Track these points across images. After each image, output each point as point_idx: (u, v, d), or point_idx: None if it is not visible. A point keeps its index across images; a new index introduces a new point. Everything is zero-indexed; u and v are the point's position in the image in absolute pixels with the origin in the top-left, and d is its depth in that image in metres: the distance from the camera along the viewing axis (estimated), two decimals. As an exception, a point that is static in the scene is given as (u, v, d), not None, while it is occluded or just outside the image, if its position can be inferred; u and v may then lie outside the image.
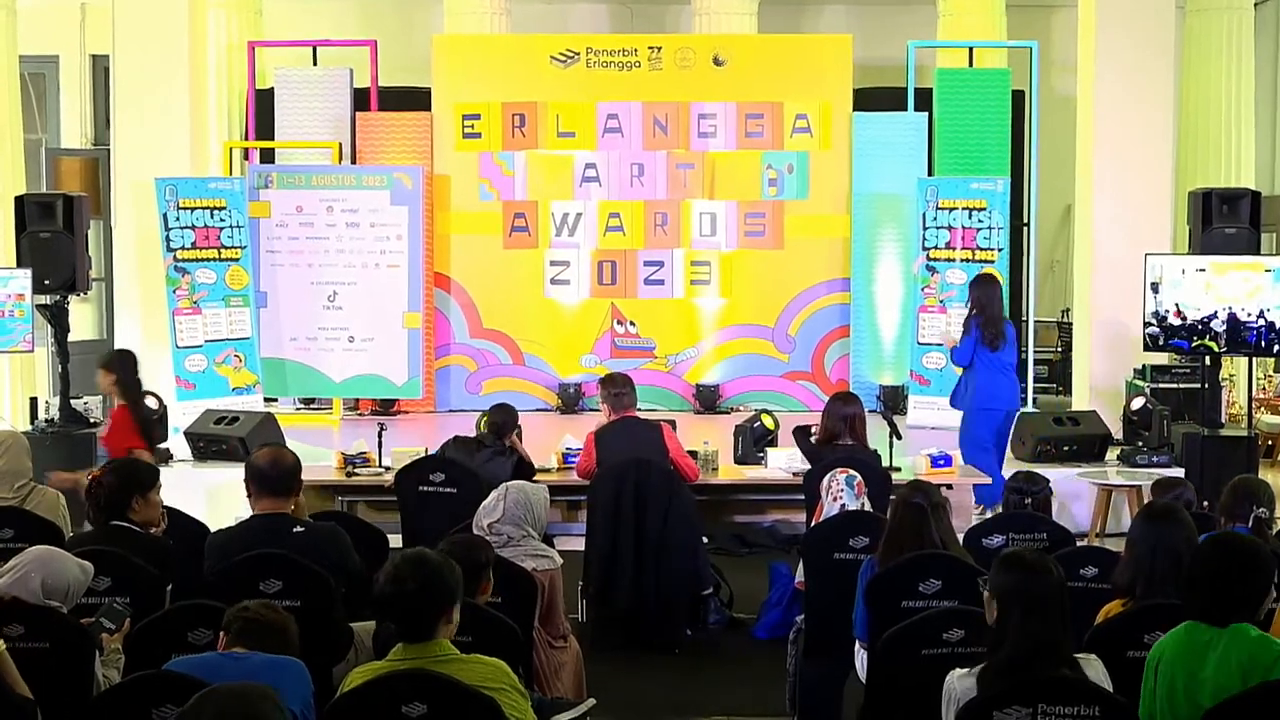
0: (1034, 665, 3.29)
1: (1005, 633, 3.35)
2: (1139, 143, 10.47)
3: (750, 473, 8.02)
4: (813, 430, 6.90)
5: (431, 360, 11.59)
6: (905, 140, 11.55)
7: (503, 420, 7.13)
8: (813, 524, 5.77)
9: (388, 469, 7.67)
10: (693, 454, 7.11)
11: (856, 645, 4.64)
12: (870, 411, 10.84)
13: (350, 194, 11.02)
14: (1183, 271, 8.69)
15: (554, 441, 8.35)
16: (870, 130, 11.61)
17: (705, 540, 6.86)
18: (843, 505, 5.54)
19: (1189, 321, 8.62)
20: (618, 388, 6.81)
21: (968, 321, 8.23)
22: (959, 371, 8.36)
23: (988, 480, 7.83)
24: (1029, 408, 10.81)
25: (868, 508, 5.57)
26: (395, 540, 5.88)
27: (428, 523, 6.35)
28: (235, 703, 2.80)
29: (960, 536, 5.04)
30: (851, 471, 5.67)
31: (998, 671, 3.33)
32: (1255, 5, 13.03)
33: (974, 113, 11.59)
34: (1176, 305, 8.63)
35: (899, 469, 7.63)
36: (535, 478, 6.86)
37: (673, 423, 7.11)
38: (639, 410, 6.93)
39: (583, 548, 6.52)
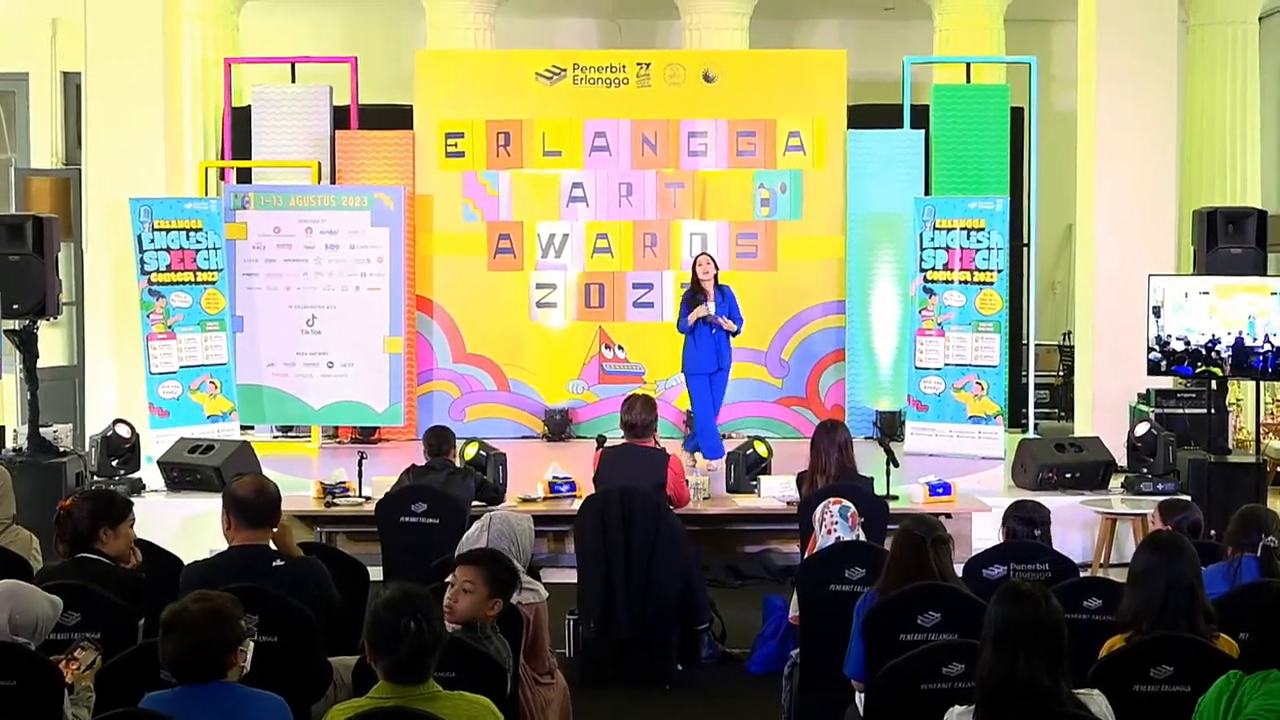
0: (1027, 700, 3.30)
1: (998, 667, 3.35)
2: (1141, 160, 10.51)
3: (743, 502, 8.03)
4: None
5: (413, 386, 11.58)
6: (901, 158, 11.59)
7: (437, 440, 7.21)
8: (806, 556, 5.77)
9: (368, 499, 7.68)
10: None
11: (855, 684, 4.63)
12: (867, 438, 10.97)
13: (329, 215, 11.02)
14: (1185, 295, 8.71)
15: (540, 469, 8.36)
16: (865, 148, 11.65)
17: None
18: (837, 538, 5.53)
19: (1192, 347, 8.65)
20: (631, 416, 6.94)
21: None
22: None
23: (988, 508, 7.86)
24: (1030, 434, 10.83)
25: (862, 538, 5.56)
26: (376, 573, 5.88)
27: (409, 555, 6.35)
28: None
29: (960, 568, 5.05)
30: (845, 502, 5.67)
31: (989, 706, 3.34)
32: (1260, 19, 13.12)
33: (972, 130, 11.64)
34: (1181, 332, 8.65)
35: (896, 497, 7.66)
36: (519, 507, 6.87)
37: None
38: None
39: (569, 579, 6.51)
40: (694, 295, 9.65)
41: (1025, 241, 12.01)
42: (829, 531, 5.55)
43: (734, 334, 9.66)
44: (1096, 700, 3.44)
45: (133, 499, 5.36)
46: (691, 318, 9.54)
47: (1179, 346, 8.68)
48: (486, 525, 4.98)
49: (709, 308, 9.52)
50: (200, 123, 12.50)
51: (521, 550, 5.00)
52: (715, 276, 9.68)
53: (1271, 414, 11.46)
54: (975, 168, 11.59)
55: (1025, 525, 5.58)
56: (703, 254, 10.05)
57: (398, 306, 11.05)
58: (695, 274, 9.73)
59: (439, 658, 3.48)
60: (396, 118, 12.04)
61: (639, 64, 11.88)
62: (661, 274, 11.74)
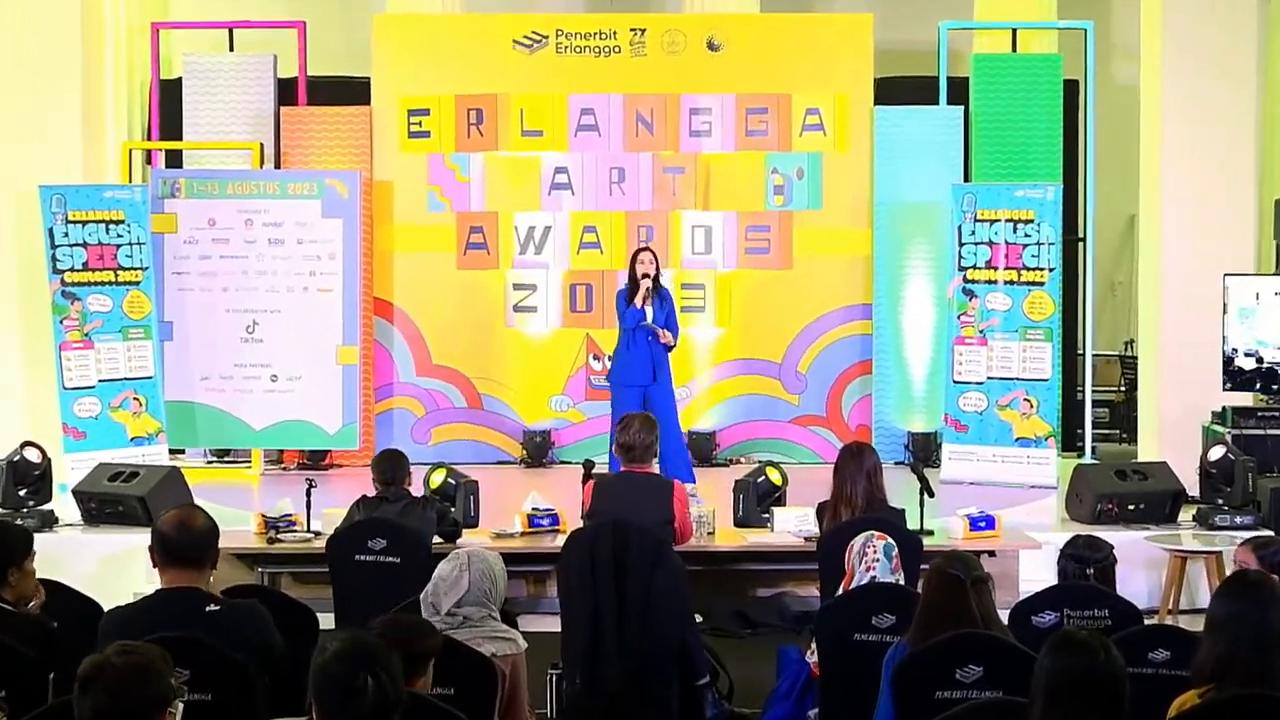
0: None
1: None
2: (1215, 142, 10.52)
3: (753, 537, 8.01)
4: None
5: (371, 404, 11.60)
6: (937, 139, 11.63)
7: (389, 466, 7.21)
8: (837, 595, 5.76)
9: (317, 534, 7.68)
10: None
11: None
12: (897, 463, 10.97)
13: (273, 204, 11.02)
14: (1256, 296, 8.69)
15: (517, 500, 8.35)
16: (895, 127, 11.68)
17: (698, 619, 6.87)
18: (872, 578, 5.52)
19: (1265, 365, 8.62)
20: (628, 436, 6.95)
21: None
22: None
23: (1038, 545, 7.87)
24: (1086, 459, 10.82)
25: (903, 582, 5.57)
26: (327, 620, 5.87)
27: (366, 599, 6.32)
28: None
29: (1005, 614, 5.05)
30: (892, 540, 5.67)
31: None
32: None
33: (1019, 106, 11.69)
34: (1250, 345, 8.63)
35: (931, 532, 7.65)
36: (494, 544, 6.87)
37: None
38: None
39: (552, 627, 6.49)
40: (630, 294, 9.67)
41: (1081, 236, 12.03)
42: (869, 569, 5.54)
43: (670, 348, 9.69)
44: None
45: (40, 533, 5.34)
46: (639, 299, 9.56)
47: (1249, 365, 8.63)
48: (465, 565, 4.95)
49: (646, 308, 9.56)
50: (123, 98, 12.46)
51: (499, 595, 5.00)
52: (656, 276, 9.70)
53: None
54: (1022, 150, 11.64)
55: (1081, 565, 5.56)
56: (645, 248, 10.05)
57: (352, 311, 11.05)
58: (633, 270, 9.72)
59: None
60: (351, 92, 12.06)
61: (633, 30, 11.92)
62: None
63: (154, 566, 4.72)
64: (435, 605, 4.92)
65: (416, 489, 7.58)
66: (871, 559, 5.54)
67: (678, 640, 6.32)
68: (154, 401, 10.65)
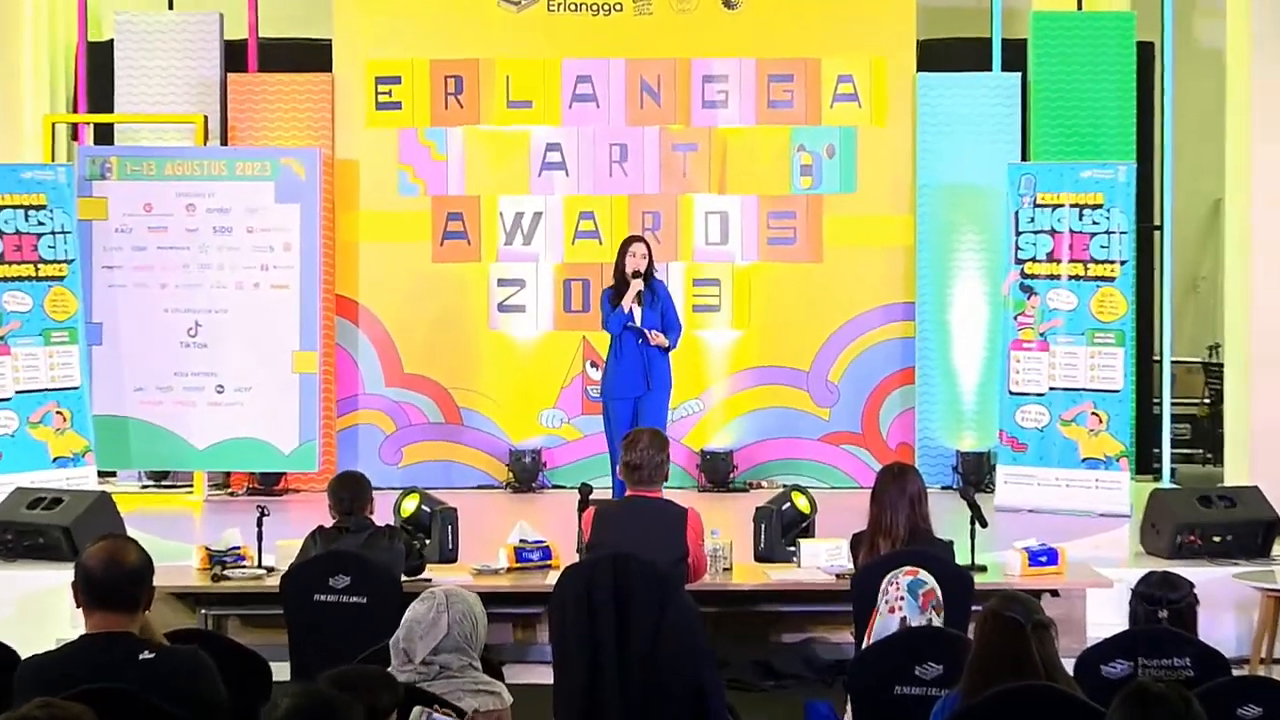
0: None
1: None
2: (1315, 114, 10.51)
3: (777, 574, 8.01)
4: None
5: (332, 419, 11.62)
6: (990, 111, 11.65)
7: (349, 492, 7.18)
8: (864, 644, 5.74)
9: (270, 570, 7.69)
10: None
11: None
12: (944, 488, 10.95)
13: (219, 187, 11.04)
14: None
15: (503, 531, 8.34)
16: (941, 97, 11.71)
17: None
18: (903, 619, 5.50)
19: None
20: (634, 454, 6.93)
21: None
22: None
23: (1108, 583, 7.85)
24: (1165, 483, 10.81)
25: (937, 624, 5.54)
26: (280, 669, 5.84)
27: (327, 646, 6.31)
28: None
29: (1070, 663, 5.04)
30: (921, 574, 5.64)
31: None
32: None
33: (1085, 73, 11.69)
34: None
35: (984, 568, 7.65)
36: (476, 582, 6.86)
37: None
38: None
39: (543, 679, 6.48)
40: (617, 293, 9.69)
41: (1157, 223, 12.01)
42: (893, 610, 5.51)
43: (668, 349, 9.70)
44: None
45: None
46: (626, 302, 9.57)
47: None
48: (443, 605, 4.93)
49: (634, 308, 9.57)
50: (44, 63, 12.46)
51: (479, 640, 4.99)
52: (649, 270, 9.71)
53: None
54: (1090, 124, 11.65)
55: (1156, 606, 5.55)
56: (638, 237, 10.08)
57: (311, 311, 11.07)
58: (621, 263, 9.73)
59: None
60: (309, 57, 12.08)
61: (636, -16, 11.90)
62: (667, 266, 11.72)
63: (78, 608, 4.70)
64: (408, 652, 4.89)
65: (384, 517, 7.59)
66: (894, 598, 5.49)
67: (688, 692, 6.30)
68: (80, 416, 10.64)
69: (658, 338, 9.57)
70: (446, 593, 5.03)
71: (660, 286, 9.84)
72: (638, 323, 9.56)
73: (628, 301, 9.54)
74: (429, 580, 7.42)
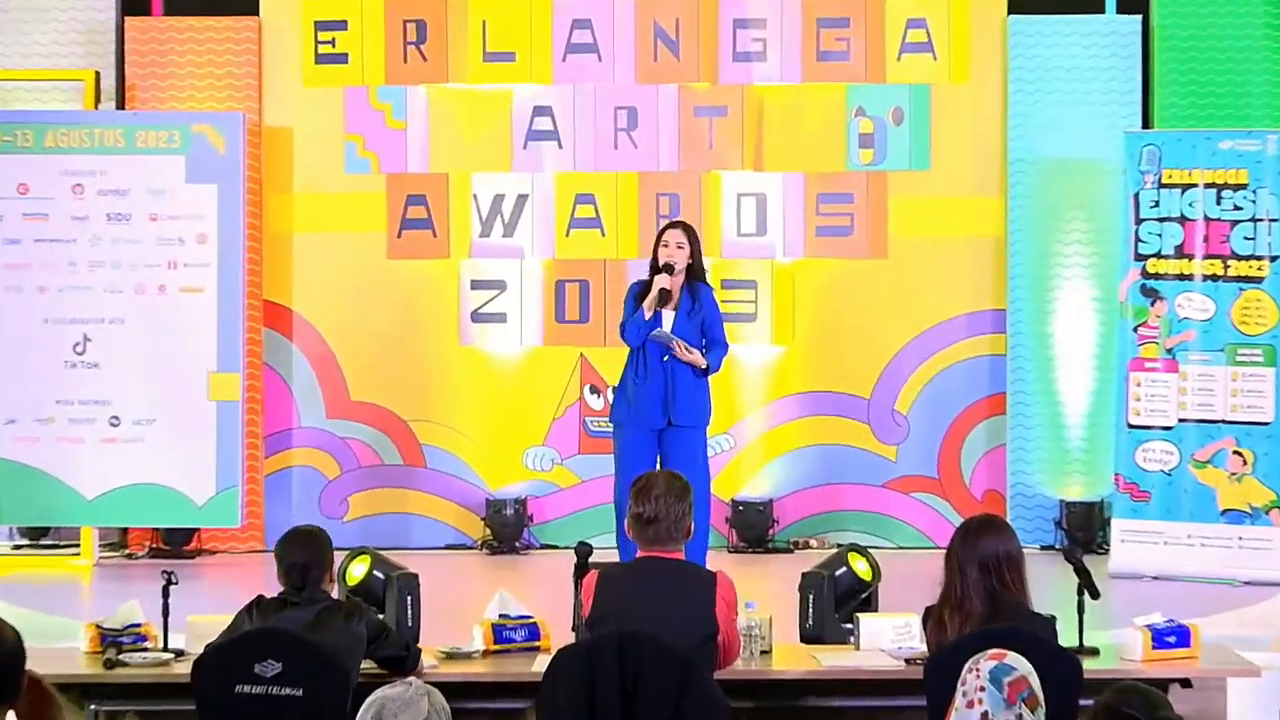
0: None
1: None
2: None
3: (830, 659, 7.90)
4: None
5: (259, 460, 11.66)
6: (1103, 65, 11.69)
7: (305, 558, 7.08)
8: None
9: (179, 654, 7.63)
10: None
11: None
12: (1042, 548, 10.96)
13: (115, 163, 11.06)
14: None
15: (478, 604, 8.32)
16: (1040, 46, 11.73)
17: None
18: (984, 715, 5.42)
19: None
20: (647, 505, 6.80)
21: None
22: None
23: (1256, 671, 7.76)
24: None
25: (1032, 721, 5.45)
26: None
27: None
28: None
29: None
30: (1010, 657, 5.54)
31: None
32: None
33: (1223, 18, 11.68)
34: None
35: (1096, 652, 7.63)
36: (439, 670, 6.90)
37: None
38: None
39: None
40: (645, 289, 9.62)
41: (1317, 208, 11.96)
42: (972, 705, 5.43)
43: (706, 372, 9.62)
44: None
45: None
46: (648, 305, 9.48)
47: None
48: (424, 691, 4.95)
49: (663, 313, 9.46)
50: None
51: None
52: (690, 265, 9.65)
53: None
54: (1230, 81, 11.63)
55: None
56: (677, 223, 10.01)
57: (232, 322, 11.11)
58: (655, 258, 9.68)
59: None
60: (230, -2, 12.09)
61: (648, -97, 11.96)
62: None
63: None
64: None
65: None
66: (975, 688, 5.37)
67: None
68: (-64, 455, 10.66)
69: (689, 351, 9.45)
70: (411, 683, 5.02)
71: (705, 292, 9.71)
72: (666, 329, 9.46)
73: (649, 304, 9.44)
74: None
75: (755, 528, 11.63)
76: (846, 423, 11.89)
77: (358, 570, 8.30)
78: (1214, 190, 10.64)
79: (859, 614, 8.09)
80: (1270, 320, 10.54)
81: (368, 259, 11.88)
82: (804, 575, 8.37)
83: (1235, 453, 10.54)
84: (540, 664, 7.02)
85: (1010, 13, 11.80)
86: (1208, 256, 10.65)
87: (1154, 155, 10.74)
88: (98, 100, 11.59)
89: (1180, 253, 10.70)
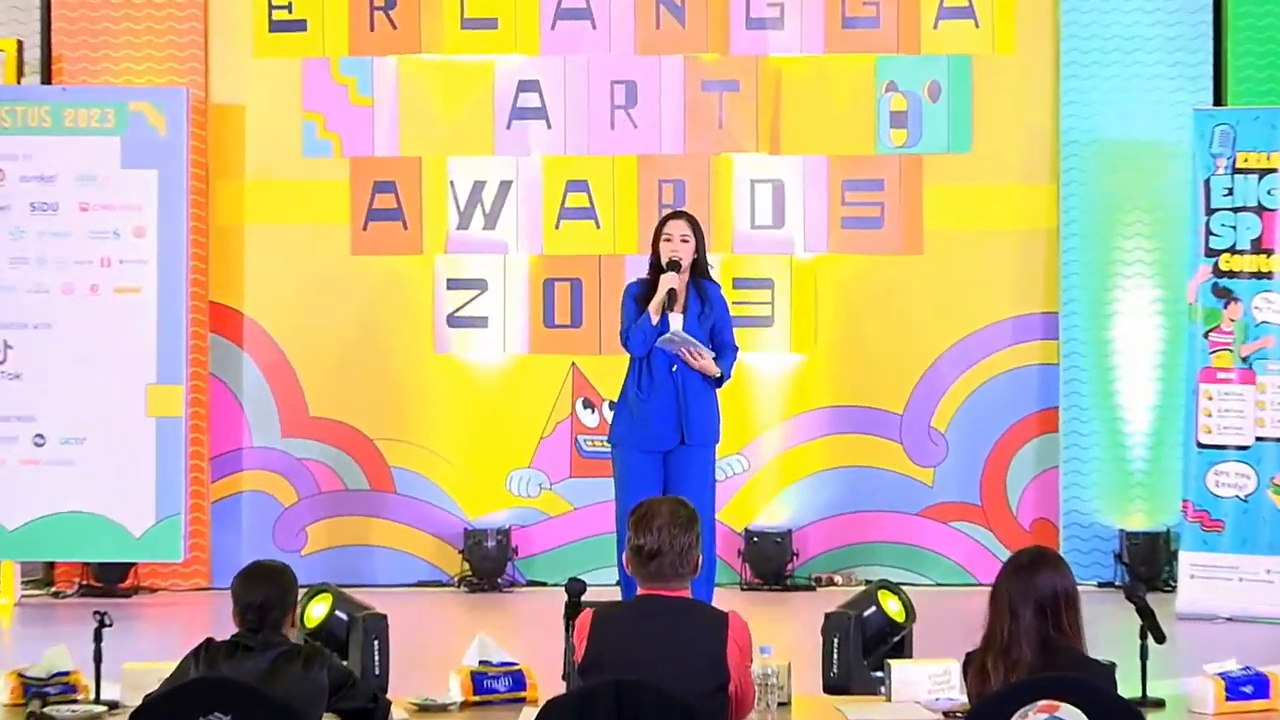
0: None
1: None
2: None
3: (857, 711, 7.91)
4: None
5: (205, 484, 11.67)
6: (1168, 34, 11.69)
7: (264, 597, 7.03)
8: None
9: (113, 706, 7.65)
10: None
11: None
12: (1100, 585, 11.00)
13: (40, 145, 11.09)
14: None
15: (455, 649, 8.38)
16: (1096, 14, 11.72)
17: None
18: (1037, 774, 5.47)
19: None
20: (649, 536, 6.74)
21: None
22: None
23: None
24: None
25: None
26: None
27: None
28: None
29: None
30: (1063, 709, 5.63)
31: None
32: None
33: (1305, -20, 11.68)
34: None
35: (1162, 704, 7.69)
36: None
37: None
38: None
39: None
40: (648, 292, 9.53)
41: None
42: (1022, 765, 5.54)
43: (719, 382, 9.56)
44: None
45: None
46: (654, 308, 9.41)
47: None
48: None
49: (670, 316, 9.40)
50: None
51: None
52: (695, 261, 9.59)
53: None
54: (1312, 53, 11.61)
55: None
56: (679, 213, 9.97)
57: (174, 326, 11.12)
58: (655, 252, 9.61)
59: None
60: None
61: None
62: (694, 260, 11.73)
63: None
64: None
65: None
66: (1024, 748, 5.54)
67: None
68: None
69: (702, 356, 9.36)
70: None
71: (714, 290, 9.68)
72: (676, 333, 9.37)
73: (655, 306, 9.35)
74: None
75: (772, 561, 11.64)
76: (876, 442, 11.92)
77: (317, 611, 8.33)
78: (1295, 176, 10.71)
79: (890, 660, 8.12)
80: (1359, 325, 10.59)
81: (329, 255, 11.92)
82: (827, 616, 8.39)
83: (1321, 476, 10.58)
84: (526, 717, 7.07)
85: (1062, -22, 11.91)
86: (1288, 251, 10.70)
87: (1227, 136, 10.73)
88: (20, 74, 11.61)
89: (1257, 247, 10.70)
